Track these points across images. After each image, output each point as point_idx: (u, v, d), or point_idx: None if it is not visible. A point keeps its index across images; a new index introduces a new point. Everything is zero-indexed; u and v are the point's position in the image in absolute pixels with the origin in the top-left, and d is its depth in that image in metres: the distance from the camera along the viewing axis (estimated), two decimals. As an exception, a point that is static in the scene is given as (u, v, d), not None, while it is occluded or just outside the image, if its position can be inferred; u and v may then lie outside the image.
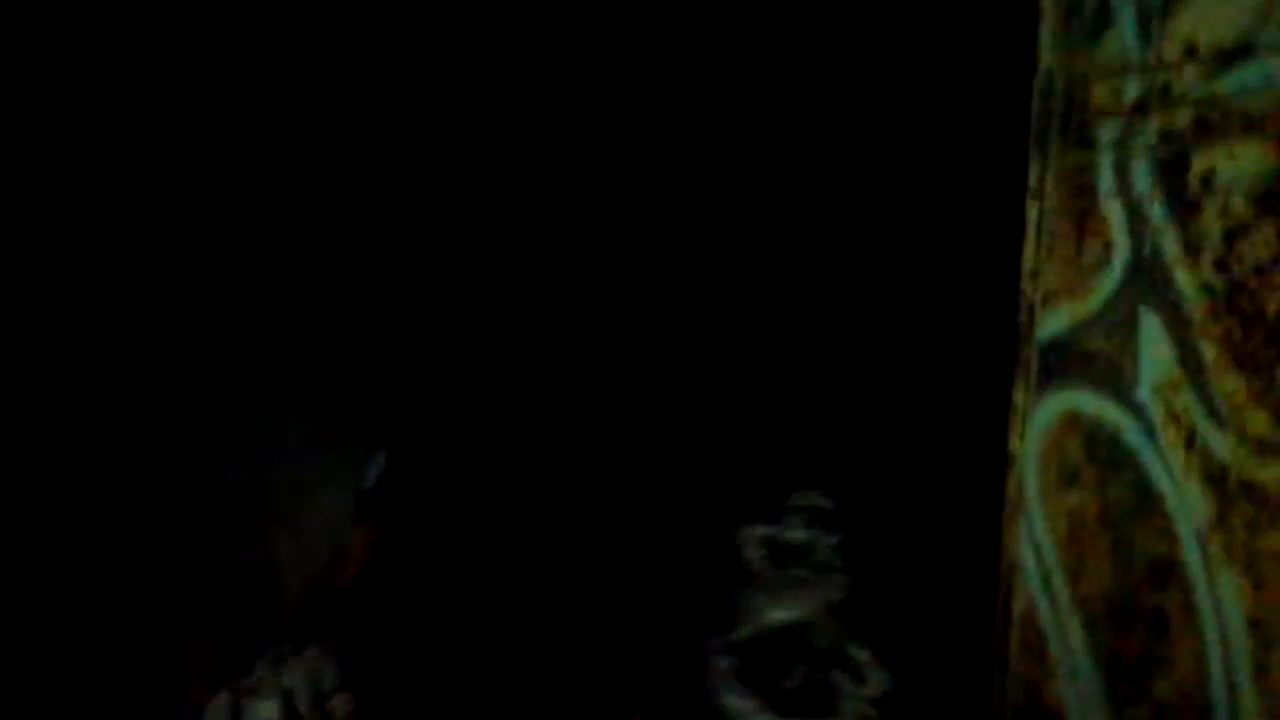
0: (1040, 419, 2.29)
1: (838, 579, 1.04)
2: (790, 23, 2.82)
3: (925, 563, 2.44)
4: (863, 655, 0.96)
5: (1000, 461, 2.39)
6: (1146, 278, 2.09)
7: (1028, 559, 2.30)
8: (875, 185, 2.88)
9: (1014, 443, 2.34)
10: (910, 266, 2.88)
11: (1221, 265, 1.98)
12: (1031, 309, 2.30)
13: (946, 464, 2.71)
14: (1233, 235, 1.96)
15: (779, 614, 1.01)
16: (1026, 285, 2.30)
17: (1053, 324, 2.26)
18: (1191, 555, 2.01)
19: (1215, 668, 1.97)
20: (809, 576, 1.02)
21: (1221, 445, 1.96)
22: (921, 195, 2.82)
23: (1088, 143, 2.20)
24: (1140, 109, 2.11)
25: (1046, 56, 2.30)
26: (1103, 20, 2.18)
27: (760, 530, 1.08)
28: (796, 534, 1.05)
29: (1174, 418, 2.04)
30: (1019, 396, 2.32)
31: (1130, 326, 2.12)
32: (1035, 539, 2.29)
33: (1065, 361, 2.24)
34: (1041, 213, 2.29)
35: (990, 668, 2.37)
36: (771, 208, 2.96)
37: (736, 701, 0.96)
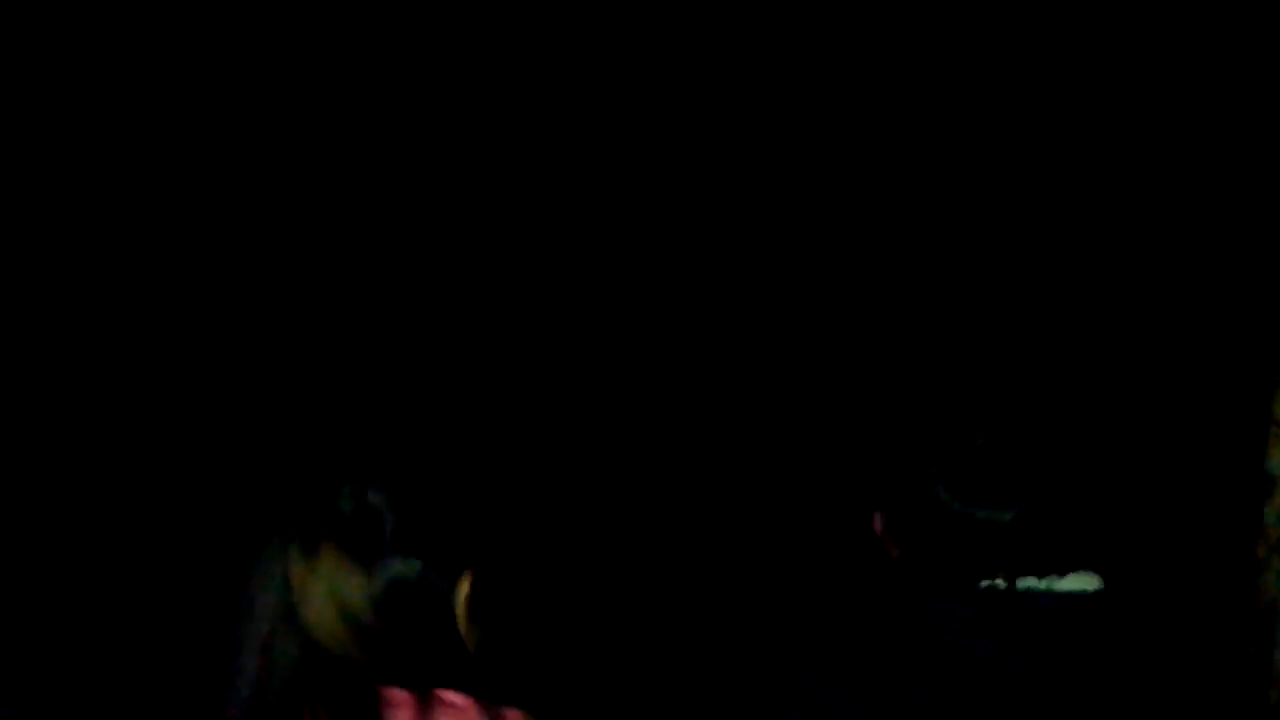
0: (1312, 435, 1.94)
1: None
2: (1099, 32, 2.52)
3: (1153, 602, 2.11)
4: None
5: (1248, 484, 2.05)
6: None
7: (1294, 600, 1.96)
8: (1148, 190, 2.56)
9: (1275, 463, 1.99)
10: (1162, 270, 2.54)
11: None
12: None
13: (1180, 485, 2.37)
14: None
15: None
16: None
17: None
18: None
19: None
20: None
21: None
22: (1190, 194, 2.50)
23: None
24: None
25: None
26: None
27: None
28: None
29: None
30: (1282, 408, 1.98)
31: None
32: (1305, 577, 1.95)
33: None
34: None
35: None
36: (1052, 216, 2.66)
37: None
